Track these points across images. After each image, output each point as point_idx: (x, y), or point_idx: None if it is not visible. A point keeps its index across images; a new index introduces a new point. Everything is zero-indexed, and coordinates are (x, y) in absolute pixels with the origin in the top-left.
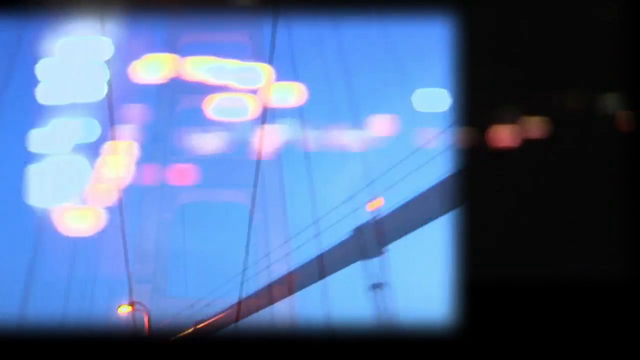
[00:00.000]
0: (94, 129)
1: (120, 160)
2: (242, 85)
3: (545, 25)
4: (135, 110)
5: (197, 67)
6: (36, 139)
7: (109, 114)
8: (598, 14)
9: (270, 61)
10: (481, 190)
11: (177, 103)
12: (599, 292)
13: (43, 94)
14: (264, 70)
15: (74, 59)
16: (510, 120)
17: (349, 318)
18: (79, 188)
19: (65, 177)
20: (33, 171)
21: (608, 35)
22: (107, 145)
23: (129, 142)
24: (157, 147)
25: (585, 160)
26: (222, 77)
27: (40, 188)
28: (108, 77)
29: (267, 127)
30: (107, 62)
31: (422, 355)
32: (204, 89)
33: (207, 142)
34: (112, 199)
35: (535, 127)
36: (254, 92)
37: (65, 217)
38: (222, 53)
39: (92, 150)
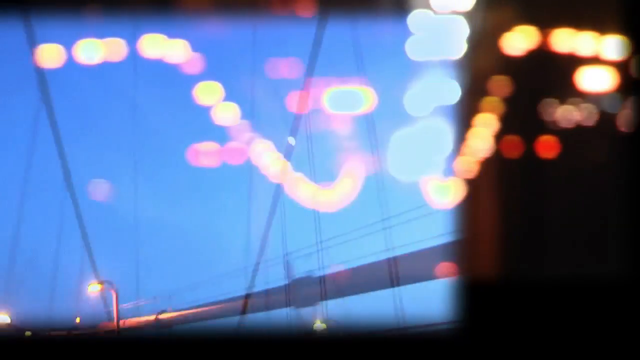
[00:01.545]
0: (454, 91)
1: (481, 131)
2: (607, 57)
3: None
4: (498, 81)
5: (561, 39)
6: (406, 99)
7: (468, 75)
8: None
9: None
10: (481, 189)
11: (540, 75)
12: (599, 292)
13: (413, 49)
14: (626, 42)
15: (438, 12)
16: (511, 119)
17: (350, 318)
18: (440, 156)
19: (428, 143)
20: (402, 135)
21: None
22: (467, 114)
23: (488, 114)
24: (519, 118)
25: (586, 159)
26: (587, 49)
27: (405, 155)
28: (468, 34)
29: (632, 100)
30: (468, 16)
31: (422, 355)
32: (568, 61)
33: (570, 114)
34: (474, 171)
35: (536, 125)
36: (620, 64)
37: (430, 188)
38: (582, 25)
39: (451, 114)
